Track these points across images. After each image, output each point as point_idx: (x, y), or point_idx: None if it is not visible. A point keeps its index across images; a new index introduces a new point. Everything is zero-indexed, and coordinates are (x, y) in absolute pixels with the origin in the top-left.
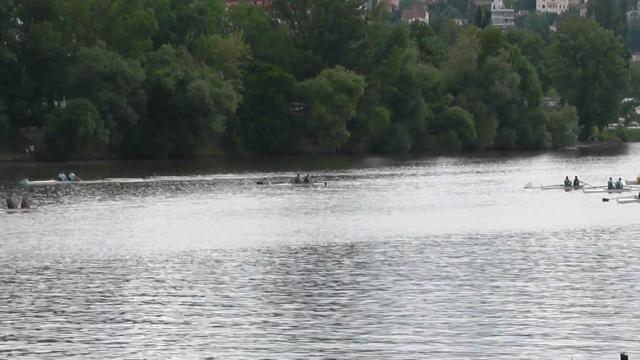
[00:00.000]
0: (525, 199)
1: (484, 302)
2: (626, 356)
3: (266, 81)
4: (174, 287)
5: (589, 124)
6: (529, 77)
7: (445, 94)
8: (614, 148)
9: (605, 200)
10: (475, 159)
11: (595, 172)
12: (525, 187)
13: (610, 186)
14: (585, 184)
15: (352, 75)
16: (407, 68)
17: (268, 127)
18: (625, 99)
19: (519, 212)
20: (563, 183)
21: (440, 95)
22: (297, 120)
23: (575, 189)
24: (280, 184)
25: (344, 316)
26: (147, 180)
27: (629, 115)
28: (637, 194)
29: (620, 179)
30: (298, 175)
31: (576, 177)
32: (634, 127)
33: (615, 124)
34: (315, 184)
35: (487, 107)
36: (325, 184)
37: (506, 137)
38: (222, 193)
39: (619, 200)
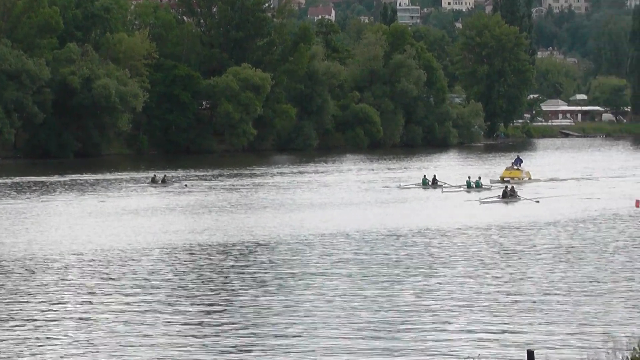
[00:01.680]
0: (393, 198)
1: (385, 297)
2: (532, 352)
3: (172, 79)
4: (77, 286)
5: (494, 121)
6: (435, 74)
7: (352, 92)
8: (520, 144)
9: (467, 201)
10: (381, 156)
11: (497, 169)
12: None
13: (469, 185)
14: (445, 183)
15: (259, 73)
16: (314, 66)
17: (174, 125)
18: (531, 96)
19: (391, 212)
20: (421, 182)
21: (347, 92)
22: (203, 118)
23: (434, 188)
24: (138, 184)
25: (249, 313)
26: (52, 179)
27: (534, 112)
28: (500, 194)
29: (479, 177)
30: (155, 176)
31: (435, 175)
32: (539, 124)
33: (520, 121)
34: (176, 184)
35: (393, 104)
36: (186, 185)
37: (412, 133)
38: (126, 191)
39: (482, 201)
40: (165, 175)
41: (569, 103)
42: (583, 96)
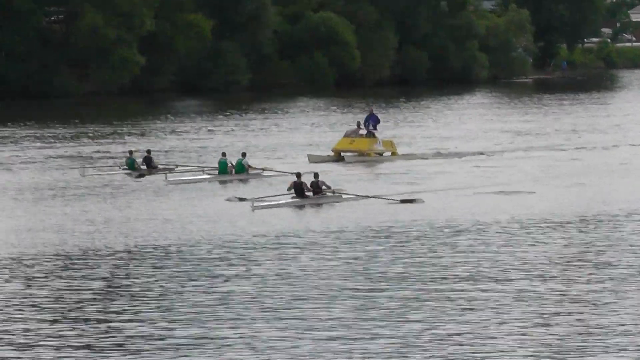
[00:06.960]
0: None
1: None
2: None
3: None
4: None
5: (551, 40)
6: None
7: None
8: (593, 80)
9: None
10: (354, 100)
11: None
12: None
13: (222, 169)
14: (176, 166)
15: None
16: None
17: (4, 50)
18: None
19: None
20: (125, 164)
21: None
22: (53, 38)
23: (151, 172)
24: None
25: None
26: None
27: (618, 25)
28: (292, 190)
29: (243, 155)
30: None
31: (149, 150)
32: (627, 45)
33: (596, 40)
34: None
35: (378, 12)
36: None
37: (411, 62)
38: None
39: (255, 205)
40: None
41: None
42: None
